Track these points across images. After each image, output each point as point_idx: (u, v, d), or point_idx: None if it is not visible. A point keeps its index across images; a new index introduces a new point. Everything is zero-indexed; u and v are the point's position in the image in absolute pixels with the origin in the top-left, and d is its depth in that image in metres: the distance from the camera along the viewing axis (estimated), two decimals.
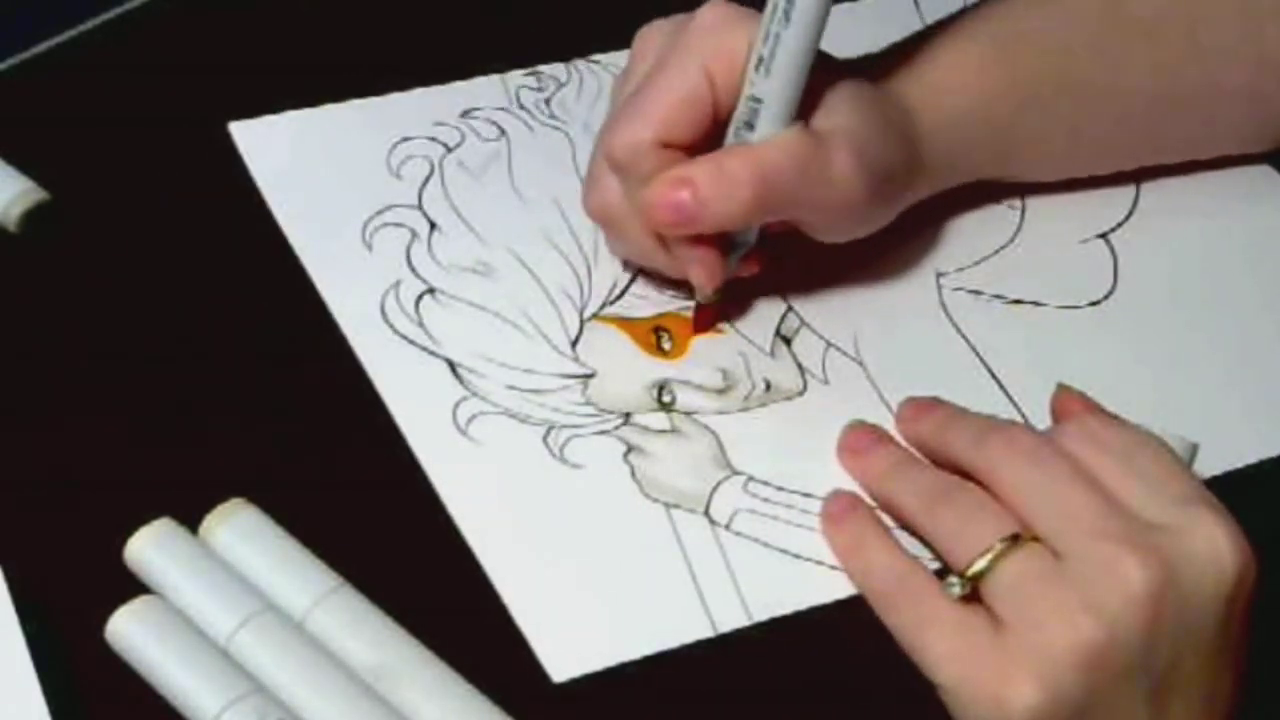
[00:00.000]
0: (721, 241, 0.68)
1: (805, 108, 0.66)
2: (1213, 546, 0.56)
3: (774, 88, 0.65)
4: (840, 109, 0.67)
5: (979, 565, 0.57)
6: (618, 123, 0.67)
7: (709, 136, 0.67)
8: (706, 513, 0.64)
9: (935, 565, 0.61)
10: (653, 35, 0.69)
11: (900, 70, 0.71)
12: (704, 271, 0.68)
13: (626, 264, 0.73)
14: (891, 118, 0.69)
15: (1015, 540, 0.57)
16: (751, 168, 0.65)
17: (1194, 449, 0.62)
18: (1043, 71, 0.73)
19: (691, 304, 0.71)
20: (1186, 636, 0.55)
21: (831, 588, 0.62)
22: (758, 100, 0.65)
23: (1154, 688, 0.55)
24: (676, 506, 0.64)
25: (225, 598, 0.59)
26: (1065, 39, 0.73)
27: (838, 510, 0.63)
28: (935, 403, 0.65)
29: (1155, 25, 0.73)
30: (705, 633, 0.61)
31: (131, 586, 0.60)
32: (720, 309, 0.70)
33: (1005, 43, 0.73)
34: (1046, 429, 0.62)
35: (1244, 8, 0.74)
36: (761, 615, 0.61)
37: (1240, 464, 0.67)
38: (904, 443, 0.66)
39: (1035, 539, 0.57)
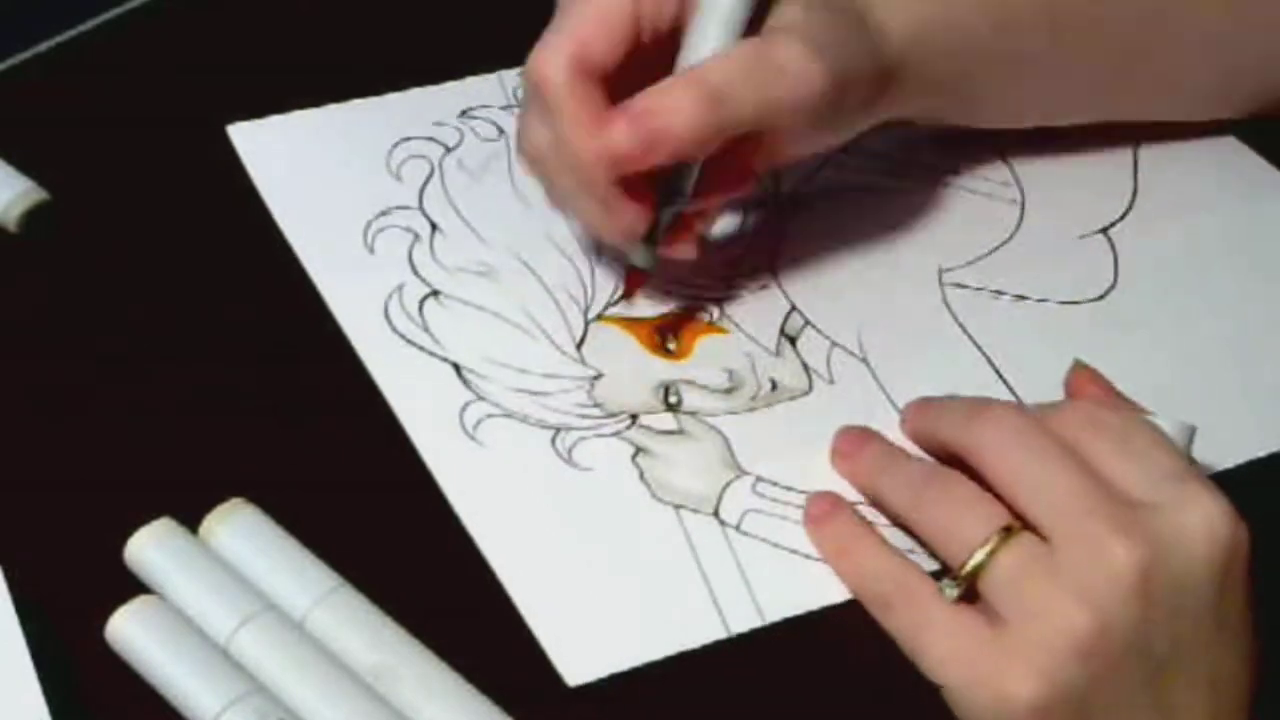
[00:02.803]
0: (655, 192, 0.66)
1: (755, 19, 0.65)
2: (1205, 520, 0.56)
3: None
4: (790, 9, 0.65)
5: (973, 563, 0.57)
6: (538, 45, 0.65)
7: (632, 58, 0.65)
8: (716, 514, 0.64)
9: (923, 553, 0.62)
10: None
11: None
12: (635, 219, 0.65)
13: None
14: (852, 20, 0.67)
15: (1007, 532, 0.57)
16: (700, 86, 0.63)
17: (1192, 431, 0.62)
18: None
19: (691, 303, 0.71)
20: (1183, 615, 0.55)
21: (844, 587, 0.62)
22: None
23: (1155, 670, 0.55)
24: (686, 508, 0.64)
25: (225, 598, 0.59)
26: None
27: (819, 512, 0.63)
28: (934, 398, 0.65)
29: None
30: (719, 634, 0.60)
31: (131, 586, 0.60)
32: (652, 276, 0.69)
33: None
34: (1041, 405, 0.61)
35: None
36: (774, 616, 0.61)
37: (1241, 459, 0.67)
38: (909, 443, 0.65)
39: (1026, 528, 0.57)
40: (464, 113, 0.79)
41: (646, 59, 0.65)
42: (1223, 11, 0.74)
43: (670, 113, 0.63)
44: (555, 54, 0.64)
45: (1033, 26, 0.72)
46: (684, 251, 0.69)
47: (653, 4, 0.65)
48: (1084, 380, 0.64)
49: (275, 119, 0.78)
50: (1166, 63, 0.75)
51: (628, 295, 0.70)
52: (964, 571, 0.57)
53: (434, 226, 0.74)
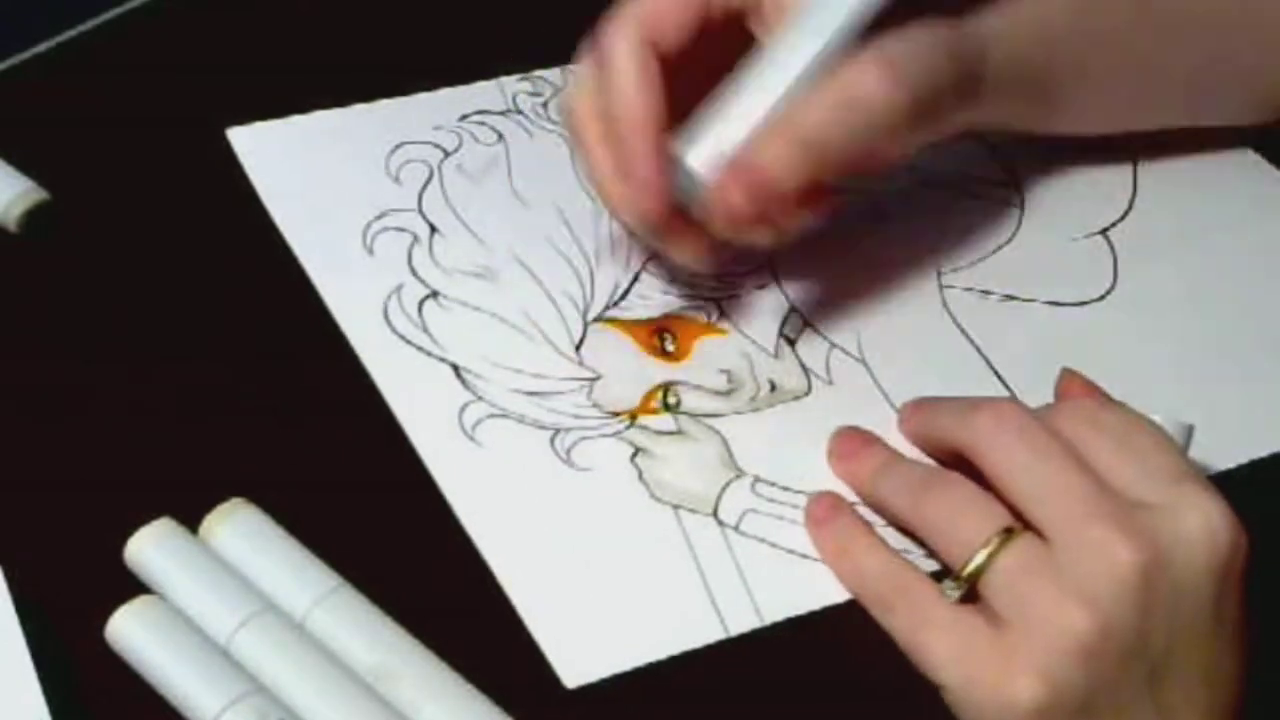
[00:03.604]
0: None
1: None
2: (1205, 523, 0.55)
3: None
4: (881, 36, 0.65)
5: (973, 565, 0.57)
6: (612, 16, 0.65)
7: (701, 37, 0.65)
8: (715, 514, 0.64)
9: (922, 554, 0.62)
10: None
11: None
12: (659, 206, 0.66)
13: (628, 266, 0.72)
14: (940, 34, 0.66)
15: (1008, 533, 0.57)
16: (796, 139, 0.63)
17: (1190, 430, 0.62)
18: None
19: (690, 304, 0.71)
20: (1181, 617, 0.55)
21: (842, 588, 0.62)
22: None
23: (1152, 669, 0.55)
24: (685, 508, 0.64)
25: (225, 598, 0.59)
26: None
27: (820, 513, 0.63)
28: (932, 398, 0.65)
29: None
30: (717, 635, 0.60)
31: (131, 586, 0.60)
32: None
33: None
34: (1041, 406, 0.61)
35: None
36: (773, 617, 0.61)
37: (1241, 459, 0.67)
38: (906, 444, 0.65)
39: (1026, 528, 0.57)
40: (463, 118, 0.79)
41: (713, 37, 0.65)
42: None
43: (772, 168, 0.63)
44: (628, 29, 0.64)
45: (1117, 10, 0.72)
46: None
47: None
48: (1075, 386, 0.64)
49: (274, 123, 0.78)
50: (1250, 60, 0.75)
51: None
52: (965, 573, 0.57)
53: (433, 229, 0.74)
